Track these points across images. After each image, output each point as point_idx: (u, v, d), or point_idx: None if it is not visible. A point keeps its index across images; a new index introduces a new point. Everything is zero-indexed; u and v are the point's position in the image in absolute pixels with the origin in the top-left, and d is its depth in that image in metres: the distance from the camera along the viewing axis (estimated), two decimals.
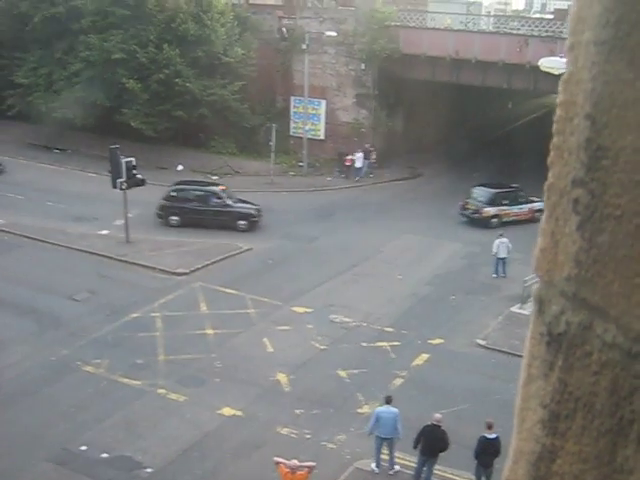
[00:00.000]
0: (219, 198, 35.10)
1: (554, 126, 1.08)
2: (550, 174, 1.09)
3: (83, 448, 18.85)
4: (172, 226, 34.46)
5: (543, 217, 1.12)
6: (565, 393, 1.06)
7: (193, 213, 34.39)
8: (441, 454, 17.43)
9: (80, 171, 43.64)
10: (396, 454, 18.37)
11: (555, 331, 1.07)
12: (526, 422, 1.13)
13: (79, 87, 44.81)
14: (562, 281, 1.06)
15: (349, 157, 44.48)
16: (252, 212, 35.20)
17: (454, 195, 41.46)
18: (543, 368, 1.10)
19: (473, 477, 17.55)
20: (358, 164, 44.37)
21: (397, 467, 18.37)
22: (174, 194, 34.92)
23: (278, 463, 15.97)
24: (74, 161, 45.56)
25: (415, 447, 17.62)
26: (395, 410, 17.92)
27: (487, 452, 16.64)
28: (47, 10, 45.70)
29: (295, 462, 15.89)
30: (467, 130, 53.38)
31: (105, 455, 18.63)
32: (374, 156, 45.13)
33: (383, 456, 18.38)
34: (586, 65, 0.99)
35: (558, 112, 1.07)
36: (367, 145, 45.40)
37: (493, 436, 16.68)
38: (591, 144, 1.00)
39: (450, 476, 18.12)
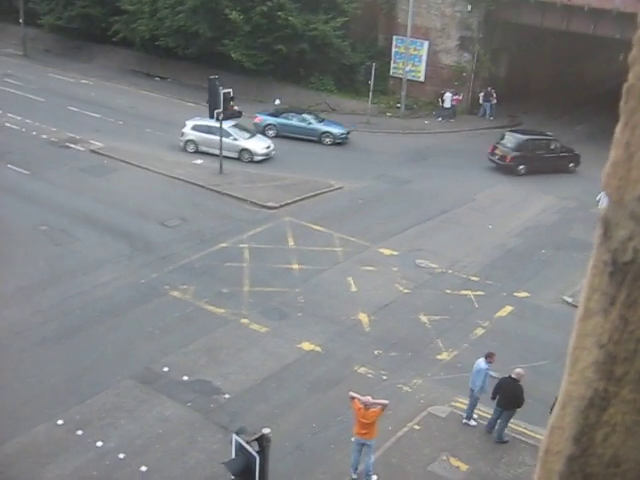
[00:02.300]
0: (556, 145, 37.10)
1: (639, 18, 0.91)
2: (631, 74, 0.92)
3: (165, 369, 19.42)
4: (520, 175, 35.69)
5: (618, 126, 0.96)
6: (626, 332, 0.91)
7: (538, 160, 35.87)
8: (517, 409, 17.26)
9: (179, 100, 44.14)
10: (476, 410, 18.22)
11: (620, 259, 0.92)
12: (579, 363, 0.99)
13: (182, 16, 45.02)
14: (634, 201, 0.90)
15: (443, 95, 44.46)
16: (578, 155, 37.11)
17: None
18: (603, 302, 0.95)
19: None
20: (447, 104, 44.15)
21: (470, 422, 18.15)
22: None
23: (353, 398, 16.09)
24: (174, 90, 46.09)
25: (493, 398, 17.47)
26: (481, 365, 17.65)
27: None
28: None
29: (369, 398, 15.98)
30: (573, 81, 51.42)
31: (186, 378, 19.16)
32: (495, 98, 44.92)
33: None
34: None
35: None
36: (489, 88, 45.10)
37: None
38: None
39: (524, 430, 17.92)
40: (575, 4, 40.79)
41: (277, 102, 44.72)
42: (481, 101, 45.40)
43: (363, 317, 22.53)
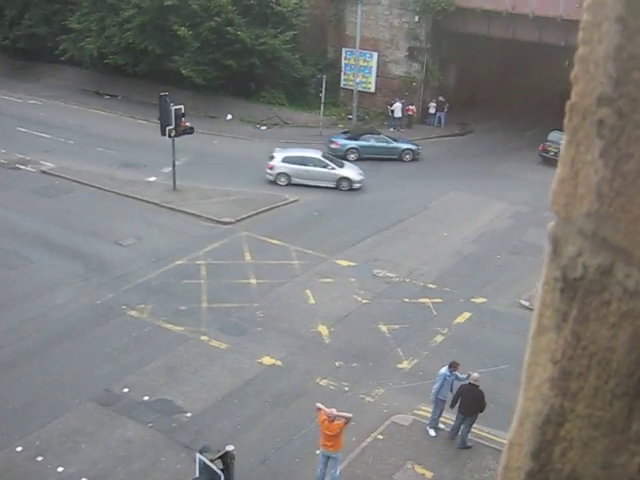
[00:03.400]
0: None
1: (579, 34, 0.92)
2: (573, 92, 0.94)
3: (125, 390, 19.19)
4: None
5: (563, 143, 0.97)
6: (578, 348, 0.92)
7: None
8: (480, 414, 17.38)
9: (130, 118, 43.83)
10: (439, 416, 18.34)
11: (570, 276, 0.93)
12: (534, 379, 0.99)
13: (131, 33, 44.76)
14: (581, 217, 0.91)
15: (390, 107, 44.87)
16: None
17: (504, 153, 40.95)
18: (555, 318, 0.96)
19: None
20: (397, 114, 44.46)
21: (431, 431, 18.24)
22: None
23: (319, 409, 16.07)
24: (124, 108, 45.74)
25: (452, 406, 17.61)
26: (441, 370, 17.86)
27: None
28: None
29: (333, 411, 15.96)
30: (521, 88, 52.21)
31: (146, 398, 18.95)
32: (446, 107, 45.60)
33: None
34: None
35: (585, 17, 0.91)
36: (440, 97, 45.53)
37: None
38: (621, 53, 0.85)
39: (487, 435, 18.05)
40: (520, 12, 41.48)
41: (229, 117, 44.68)
42: (433, 110, 45.85)
43: (323, 329, 22.52)
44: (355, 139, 39.02)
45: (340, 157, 36.75)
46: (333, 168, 34.18)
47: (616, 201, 0.87)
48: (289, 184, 33.98)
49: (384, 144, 39.02)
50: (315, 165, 33.97)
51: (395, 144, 39.29)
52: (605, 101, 0.87)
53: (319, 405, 16.25)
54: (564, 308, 0.94)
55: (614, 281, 0.88)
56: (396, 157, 38.81)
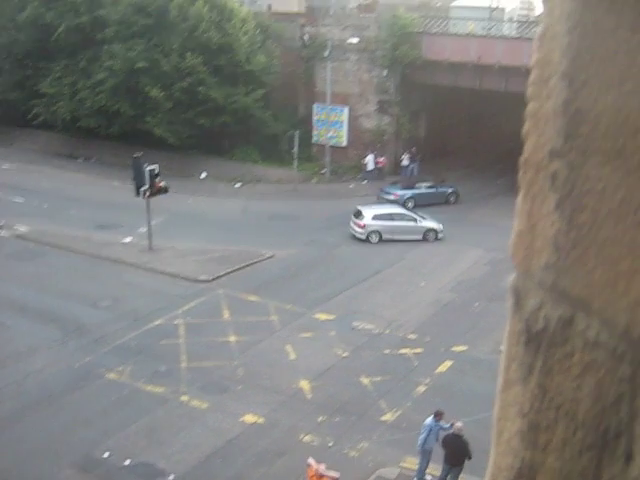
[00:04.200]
0: None
1: (528, 90, 0.94)
2: (525, 147, 0.95)
3: (106, 455, 18.85)
4: None
5: (519, 196, 0.98)
6: (545, 400, 0.92)
7: None
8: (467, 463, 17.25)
9: (104, 179, 43.80)
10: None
11: (533, 328, 0.93)
12: (504, 434, 0.99)
13: (103, 96, 45.06)
14: (540, 270, 0.92)
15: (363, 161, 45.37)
16: None
17: (477, 202, 41.29)
18: (521, 371, 0.96)
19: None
20: (370, 167, 45.01)
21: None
22: None
23: (310, 465, 15.86)
24: (98, 170, 45.75)
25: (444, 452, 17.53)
26: (427, 421, 17.76)
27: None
28: (72, 20, 45.95)
29: (323, 467, 15.77)
30: (491, 136, 52.93)
31: (128, 462, 18.62)
32: (418, 158, 46.16)
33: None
34: (562, 16, 0.85)
35: (533, 73, 0.93)
36: (413, 148, 46.11)
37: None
38: (569, 107, 0.86)
39: None
40: (485, 63, 42.30)
41: (203, 175, 44.85)
42: (406, 162, 46.25)
43: (304, 384, 22.34)
44: (410, 188, 40.85)
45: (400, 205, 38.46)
46: (420, 221, 35.28)
47: (573, 253, 0.87)
48: (380, 240, 34.69)
49: (433, 190, 41.13)
50: (403, 220, 35.20)
51: (442, 189, 41.50)
52: (556, 155, 0.89)
53: (310, 461, 16.04)
54: (529, 361, 0.95)
55: (575, 332, 0.88)
56: (442, 201, 40.88)
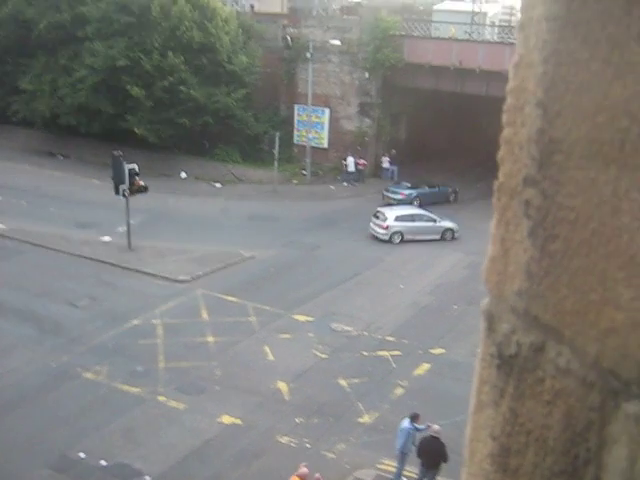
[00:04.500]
0: None
1: (504, 116, 0.95)
2: (500, 172, 0.96)
3: (82, 455, 18.70)
4: None
5: (493, 222, 0.99)
6: (516, 425, 0.92)
7: None
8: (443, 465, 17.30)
9: (83, 178, 43.55)
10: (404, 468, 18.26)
11: (505, 353, 0.94)
12: (476, 455, 0.99)
13: (83, 94, 44.81)
14: (513, 295, 0.93)
15: (343, 161, 45.47)
16: None
17: (457, 205, 41.46)
18: (493, 395, 0.96)
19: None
20: (350, 168, 45.06)
21: None
22: None
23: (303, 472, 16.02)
24: (78, 168, 45.49)
25: (419, 456, 17.54)
26: (403, 424, 17.80)
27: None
28: (52, 17, 45.67)
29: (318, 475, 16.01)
30: (471, 140, 53.18)
31: (104, 462, 18.48)
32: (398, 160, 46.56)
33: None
34: (537, 45, 0.86)
35: (508, 100, 0.93)
36: (393, 151, 46.52)
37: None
38: (543, 136, 0.87)
39: None
40: (467, 67, 42.50)
41: (183, 175, 44.73)
42: (387, 165, 46.43)
43: (282, 386, 22.32)
44: (415, 188, 41.85)
45: (408, 204, 39.70)
46: (439, 221, 36.23)
47: (545, 280, 0.88)
48: (402, 241, 35.34)
49: (436, 190, 42.42)
50: (424, 220, 36.15)
51: (443, 188, 42.90)
52: (530, 182, 0.89)
53: (304, 469, 16.16)
54: (501, 385, 0.95)
55: (547, 359, 0.88)
56: (444, 200, 42.14)
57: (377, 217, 35.98)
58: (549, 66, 0.84)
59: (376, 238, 35.58)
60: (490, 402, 0.97)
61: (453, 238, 36.10)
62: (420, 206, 39.62)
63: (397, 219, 35.69)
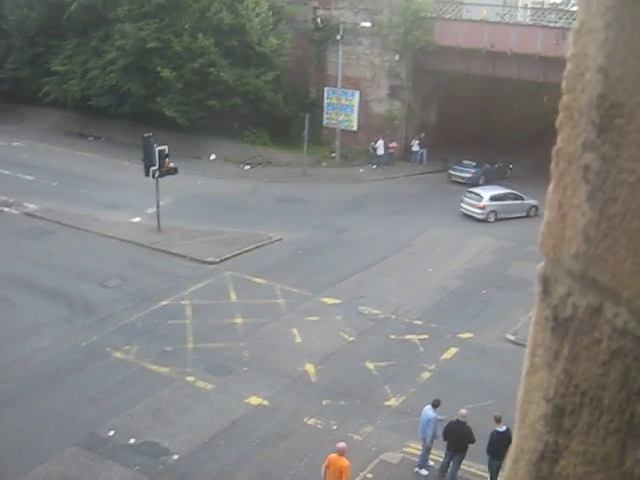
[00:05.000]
0: None
1: (563, 83, 0.96)
2: (559, 138, 0.97)
3: (111, 433, 18.97)
4: None
5: (550, 187, 1.00)
6: (571, 386, 0.94)
7: None
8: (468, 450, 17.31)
9: (114, 159, 43.87)
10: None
11: (561, 315, 0.95)
12: (528, 417, 1.01)
13: (114, 75, 45.07)
14: (569, 259, 0.94)
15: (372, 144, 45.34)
16: None
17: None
18: (547, 357, 0.98)
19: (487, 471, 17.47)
20: (380, 152, 44.89)
21: (422, 471, 18.16)
22: None
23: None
24: (108, 149, 45.81)
25: (445, 439, 17.53)
26: (429, 414, 17.73)
27: (499, 445, 16.47)
28: None
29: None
30: (501, 123, 52.79)
31: (132, 441, 18.73)
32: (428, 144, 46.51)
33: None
34: (599, 11, 0.87)
35: (568, 67, 0.94)
36: (423, 134, 46.46)
37: (503, 429, 16.66)
38: (604, 101, 0.88)
39: (476, 471, 17.96)
40: (499, 50, 42.11)
41: (212, 157, 44.86)
42: (417, 148, 46.24)
43: (309, 368, 22.42)
44: (480, 167, 43.10)
45: (474, 183, 40.89)
46: (526, 199, 37.07)
47: (603, 243, 0.90)
48: (496, 219, 36.67)
49: (496, 167, 44.02)
50: (513, 199, 37.31)
51: (498, 167, 44.26)
52: (590, 147, 0.91)
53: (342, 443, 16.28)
54: (555, 347, 0.97)
55: (603, 320, 0.90)
56: (501, 176, 43.18)
57: (469, 197, 37.24)
58: (611, 32, 0.86)
59: (469, 217, 36.58)
60: (544, 364, 0.99)
61: (536, 215, 36.39)
62: (486, 183, 40.94)
63: (492, 199, 36.97)
